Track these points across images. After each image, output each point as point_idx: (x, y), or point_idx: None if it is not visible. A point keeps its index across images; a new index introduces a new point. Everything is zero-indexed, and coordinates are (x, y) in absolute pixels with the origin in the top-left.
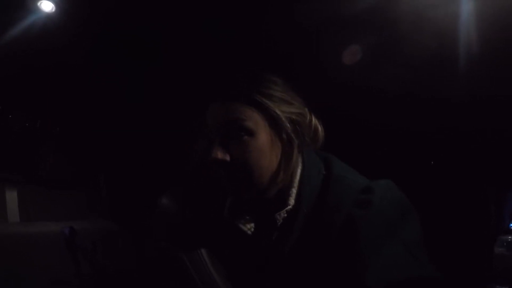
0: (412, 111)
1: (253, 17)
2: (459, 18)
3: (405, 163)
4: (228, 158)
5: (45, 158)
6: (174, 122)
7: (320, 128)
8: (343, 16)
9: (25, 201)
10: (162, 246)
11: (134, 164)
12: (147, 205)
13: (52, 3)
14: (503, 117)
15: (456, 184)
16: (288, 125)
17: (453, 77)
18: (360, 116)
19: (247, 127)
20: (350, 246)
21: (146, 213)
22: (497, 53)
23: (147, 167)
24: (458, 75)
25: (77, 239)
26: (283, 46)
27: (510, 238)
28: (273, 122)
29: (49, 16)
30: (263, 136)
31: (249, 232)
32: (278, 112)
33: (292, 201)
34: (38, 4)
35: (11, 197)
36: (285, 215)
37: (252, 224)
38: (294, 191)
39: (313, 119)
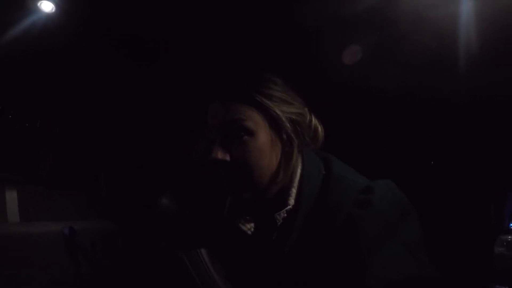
0: (412, 111)
1: (253, 17)
2: (459, 18)
3: (405, 163)
4: (228, 158)
5: (45, 158)
6: (174, 122)
7: (320, 128)
8: (343, 16)
9: (25, 201)
10: (162, 246)
11: (134, 164)
12: (147, 205)
13: (52, 3)
14: (503, 117)
15: (456, 184)
16: (288, 125)
17: (453, 77)
18: (360, 116)
19: (247, 127)
20: (350, 246)
21: (146, 213)
22: (497, 53)
23: (147, 167)
24: (458, 75)
25: (77, 239)
26: (283, 46)
27: (510, 238)
28: (273, 122)
29: (49, 16)
30: (263, 136)
31: (249, 232)
32: (278, 112)
33: (292, 201)
34: (38, 4)
35: (11, 197)
36: (285, 215)
37: (252, 224)
38: (294, 191)
39: (313, 119)
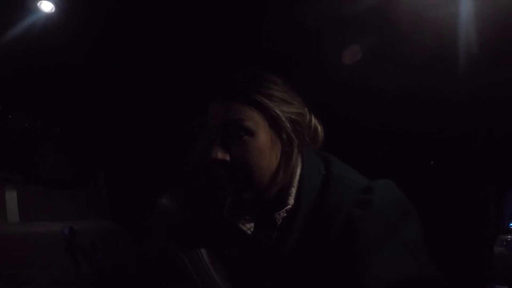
0: (412, 111)
1: (253, 17)
2: (459, 18)
3: (405, 163)
4: (228, 158)
5: (45, 158)
6: (174, 122)
7: (319, 128)
8: (343, 16)
9: (25, 201)
10: (162, 246)
11: (134, 164)
12: (147, 205)
13: (52, 3)
14: (503, 117)
15: (456, 184)
16: (288, 125)
17: (453, 77)
18: (360, 116)
19: (247, 127)
20: (350, 246)
21: (146, 213)
22: (497, 53)
23: (147, 167)
24: (458, 75)
25: (77, 239)
26: (283, 46)
27: (510, 238)
28: (273, 122)
29: (49, 16)
30: (263, 136)
31: (248, 232)
32: (278, 112)
33: (291, 200)
34: (38, 4)
35: (11, 197)
36: (285, 214)
37: (252, 224)
38: (293, 190)
39: (313, 119)
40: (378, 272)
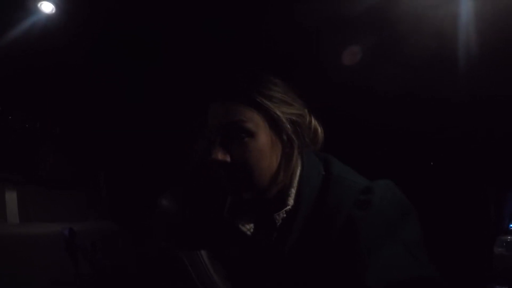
0: (412, 111)
1: (253, 17)
2: (458, 19)
3: (405, 163)
4: (228, 158)
5: (45, 158)
6: (174, 122)
7: (319, 129)
8: (343, 16)
9: (25, 201)
10: (162, 246)
11: (134, 164)
12: (147, 205)
13: (52, 4)
14: (503, 117)
15: (456, 184)
16: (288, 126)
17: (453, 77)
18: (360, 116)
19: (248, 128)
20: (350, 247)
21: (146, 213)
22: (496, 53)
23: (147, 167)
24: (458, 75)
25: (76, 240)
26: (283, 46)
27: (509, 238)
28: (274, 123)
29: (49, 17)
30: (264, 137)
31: (248, 232)
32: (279, 113)
33: (291, 201)
34: (38, 5)
35: (11, 197)
36: (284, 215)
37: (252, 225)
38: (293, 191)
39: (313, 120)
40: (378, 272)
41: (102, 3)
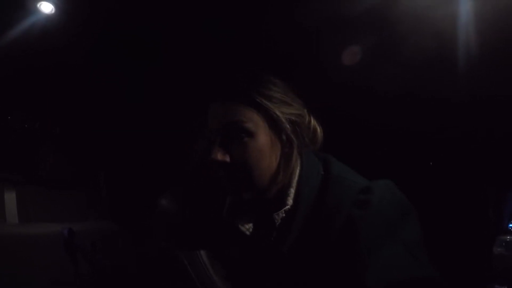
0: (412, 111)
1: (253, 17)
2: (458, 19)
3: (405, 163)
4: (228, 159)
5: (45, 158)
6: (174, 122)
7: (319, 129)
8: (343, 16)
9: (24, 201)
10: (162, 246)
11: (134, 164)
12: (147, 205)
13: (52, 4)
14: (503, 117)
15: (455, 184)
16: (288, 126)
17: (453, 77)
18: (360, 116)
19: (247, 128)
20: (350, 247)
21: (146, 213)
22: (496, 53)
23: (147, 167)
24: (458, 75)
25: (76, 240)
26: (283, 46)
27: (509, 238)
28: (273, 123)
29: (48, 17)
30: (263, 137)
31: (247, 232)
32: (278, 113)
33: (290, 201)
34: (38, 5)
35: (10, 197)
36: (284, 215)
37: (251, 224)
38: (292, 191)
39: (312, 120)
40: (378, 272)
41: (102, 3)
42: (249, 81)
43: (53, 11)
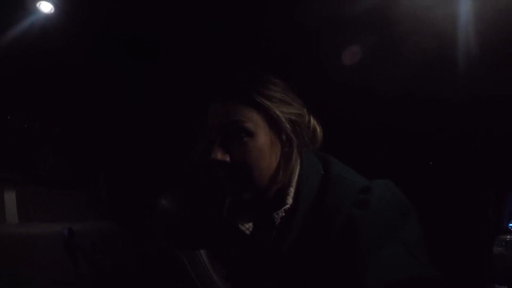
0: (412, 111)
1: (253, 17)
2: (458, 19)
3: (405, 163)
4: (228, 158)
5: (45, 158)
6: (174, 122)
7: (318, 128)
8: (343, 16)
9: (24, 201)
10: (162, 246)
11: (134, 164)
12: (147, 205)
13: (51, 4)
14: (503, 117)
15: (455, 184)
16: (288, 125)
17: (452, 77)
18: (360, 116)
19: (247, 128)
20: (350, 246)
21: (146, 213)
22: (496, 53)
23: (147, 167)
24: (458, 75)
25: (76, 240)
26: (283, 46)
27: (509, 238)
28: (273, 123)
29: (48, 17)
30: (263, 137)
31: (247, 232)
32: (278, 113)
33: (290, 200)
34: (37, 5)
35: (10, 197)
36: (283, 214)
37: (251, 224)
38: (292, 190)
39: (312, 119)
40: (378, 272)
41: (101, 3)
42: (249, 81)
43: (52, 11)
